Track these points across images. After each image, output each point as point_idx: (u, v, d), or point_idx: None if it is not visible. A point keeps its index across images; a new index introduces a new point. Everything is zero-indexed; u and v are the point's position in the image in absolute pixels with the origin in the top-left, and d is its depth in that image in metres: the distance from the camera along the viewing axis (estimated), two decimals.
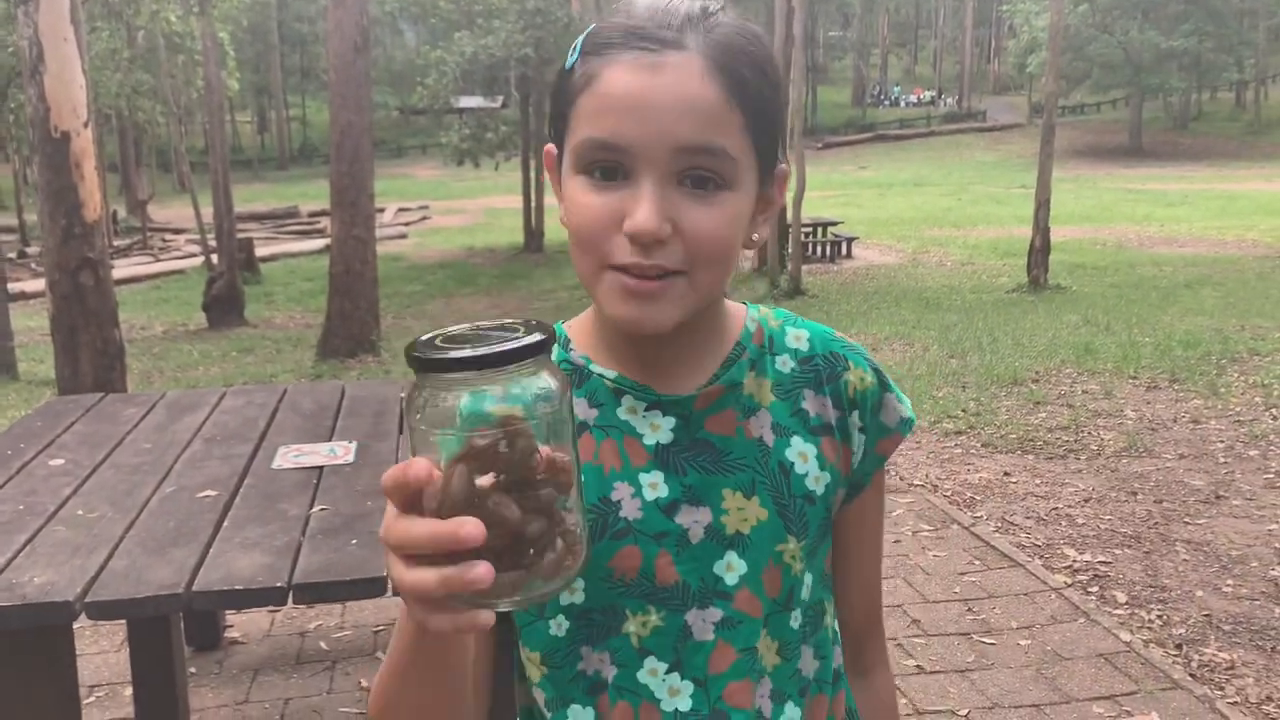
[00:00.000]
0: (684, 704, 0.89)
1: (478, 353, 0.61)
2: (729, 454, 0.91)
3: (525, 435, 0.63)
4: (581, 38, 0.86)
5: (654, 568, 0.89)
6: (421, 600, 0.63)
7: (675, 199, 0.81)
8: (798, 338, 0.97)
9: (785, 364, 0.95)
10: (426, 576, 0.61)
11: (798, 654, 0.93)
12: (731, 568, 0.89)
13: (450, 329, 0.67)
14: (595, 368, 0.93)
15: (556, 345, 0.94)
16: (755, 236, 0.89)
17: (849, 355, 0.97)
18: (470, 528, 0.59)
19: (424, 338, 0.65)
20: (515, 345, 0.62)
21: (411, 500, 0.63)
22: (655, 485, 0.89)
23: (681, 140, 0.79)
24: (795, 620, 0.92)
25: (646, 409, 0.91)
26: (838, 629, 1.00)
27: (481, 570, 0.60)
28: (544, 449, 0.64)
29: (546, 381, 0.64)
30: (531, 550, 0.63)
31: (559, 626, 0.90)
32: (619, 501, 0.89)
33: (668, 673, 0.89)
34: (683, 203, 0.81)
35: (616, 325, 0.86)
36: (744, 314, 0.97)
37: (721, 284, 0.87)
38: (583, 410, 0.92)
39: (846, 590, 1.02)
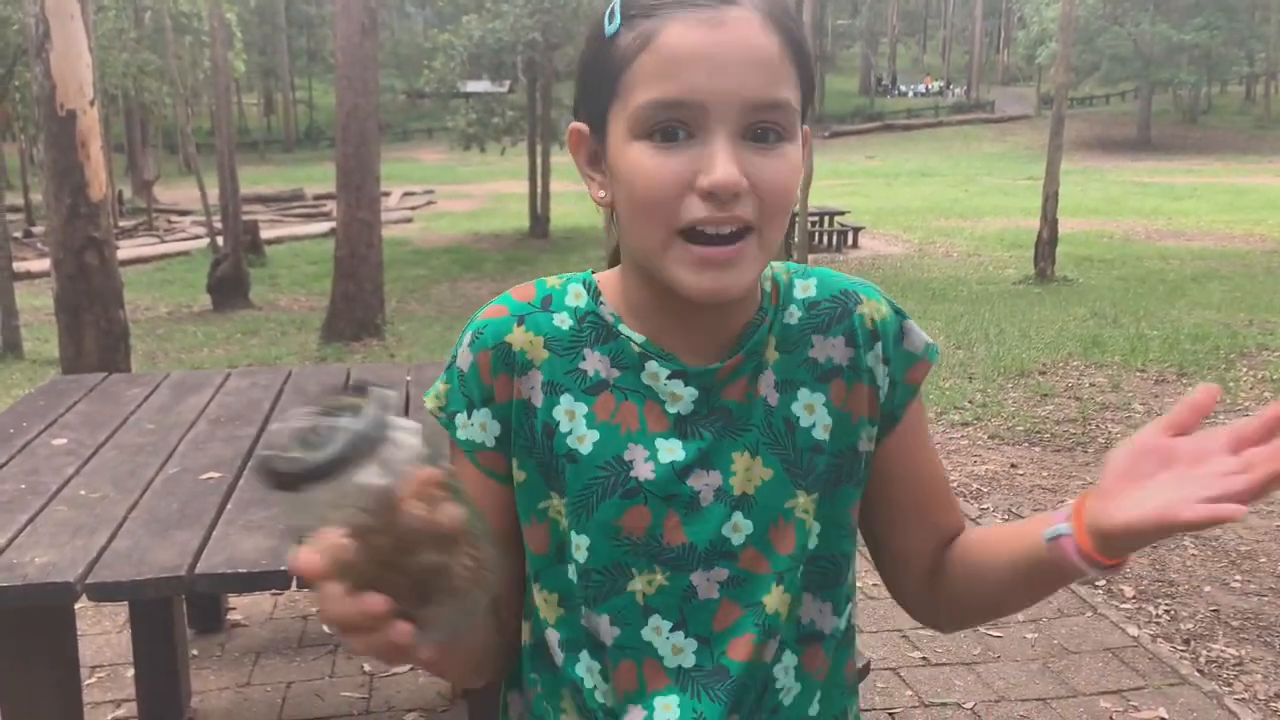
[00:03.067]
0: (688, 660, 0.90)
1: (313, 464, 0.63)
2: (741, 417, 0.90)
3: (389, 508, 0.64)
4: (617, 3, 0.84)
5: (662, 528, 0.89)
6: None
7: (744, 153, 0.81)
8: (805, 288, 0.95)
9: (792, 316, 0.93)
10: (361, 648, 0.68)
11: (800, 603, 0.93)
12: (738, 528, 0.90)
13: (291, 424, 0.67)
14: (624, 329, 0.91)
15: (586, 295, 0.93)
16: None
17: (860, 290, 0.95)
18: (374, 602, 0.65)
19: (273, 445, 0.66)
20: (344, 446, 0.63)
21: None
22: (673, 450, 0.89)
23: (753, 95, 0.80)
24: (800, 571, 0.92)
25: (669, 377, 0.90)
26: (855, 585, 0.99)
27: (400, 630, 0.66)
28: (421, 513, 0.65)
29: (396, 451, 0.65)
30: (438, 587, 0.67)
31: (574, 573, 0.91)
32: (631, 462, 0.89)
33: (672, 630, 0.90)
34: (751, 156, 0.81)
35: (690, 297, 0.83)
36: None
37: (780, 239, 0.86)
38: (605, 369, 0.91)
39: (930, 517, 0.98)
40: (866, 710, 2.96)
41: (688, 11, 0.80)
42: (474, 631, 0.82)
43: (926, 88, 66.05)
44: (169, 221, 26.57)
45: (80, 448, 2.54)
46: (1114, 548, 0.77)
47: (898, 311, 0.95)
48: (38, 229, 21.57)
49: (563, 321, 0.92)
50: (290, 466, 0.63)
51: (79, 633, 3.06)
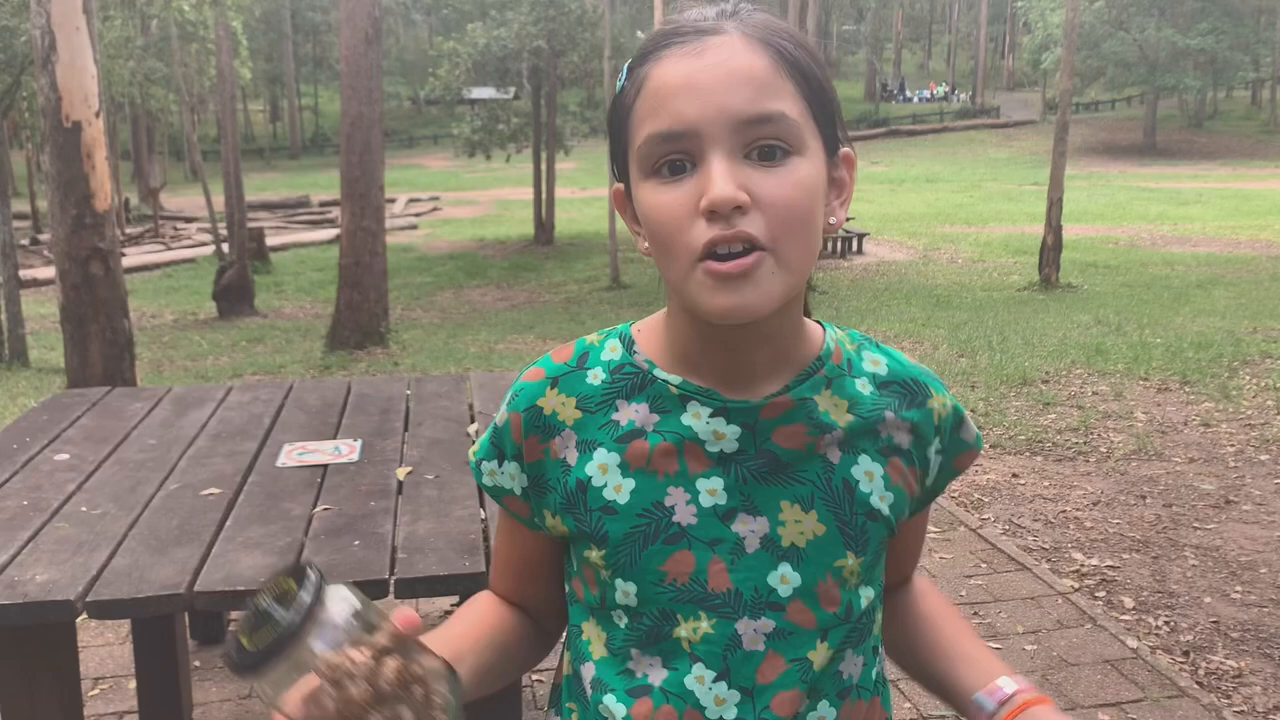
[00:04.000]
0: (729, 713, 0.90)
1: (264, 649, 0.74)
2: (792, 467, 0.90)
3: (332, 675, 0.75)
4: (629, 62, 0.89)
5: (707, 574, 0.89)
6: None
7: (746, 171, 0.81)
8: (874, 362, 0.97)
9: (864, 387, 0.95)
10: None
11: (842, 658, 0.94)
12: (786, 580, 0.90)
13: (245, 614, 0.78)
14: (660, 373, 0.92)
15: (621, 348, 0.95)
16: (833, 221, 0.89)
17: (929, 383, 0.98)
18: None
19: (238, 635, 0.78)
20: (286, 630, 0.74)
21: None
22: (714, 492, 0.90)
23: (740, 112, 0.80)
24: (846, 630, 0.94)
25: (711, 415, 0.90)
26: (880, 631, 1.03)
27: None
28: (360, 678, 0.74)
29: (331, 628, 0.75)
30: None
31: (620, 619, 0.92)
32: (672, 507, 0.89)
33: (715, 681, 0.90)
34: (754, 174, 0.81)
35: (715, 319, 0.83)
36: (823, 333, 0.97)
37: (808, 261, 0.85)
38: (643, 416, 0.92)
39: (900, 562, 1.08)
40: None
41: (673, 48, 0.83)
42: None
43: (931, 93, 66.00)
44: (175, 229, 26.67)
45: (82, 463, 2.56)
46: None
47: (956, 406, 1.00)
48: (45, 236, 21.68)
49: (596, 378, 0.94)
50: (237, 658, 0.75)
51: (81, 645, 3.08)
